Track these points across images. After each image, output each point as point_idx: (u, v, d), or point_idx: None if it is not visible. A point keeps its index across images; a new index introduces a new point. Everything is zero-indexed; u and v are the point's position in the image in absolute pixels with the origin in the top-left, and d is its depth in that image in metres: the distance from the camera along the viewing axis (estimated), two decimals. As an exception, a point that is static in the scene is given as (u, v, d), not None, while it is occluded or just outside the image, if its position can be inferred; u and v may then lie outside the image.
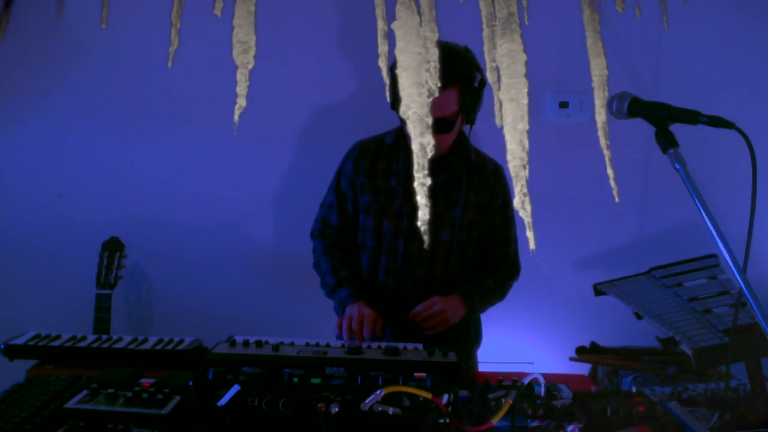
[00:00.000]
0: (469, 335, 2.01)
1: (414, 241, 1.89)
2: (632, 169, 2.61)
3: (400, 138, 1.93)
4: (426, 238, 0.67)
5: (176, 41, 0.90)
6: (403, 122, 1.85)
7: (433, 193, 1.84)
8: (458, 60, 1.79)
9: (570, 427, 1.19)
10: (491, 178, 1.94)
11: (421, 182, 0.64)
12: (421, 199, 0.64)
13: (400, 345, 1.54)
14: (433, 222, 1.82)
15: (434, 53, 0.69)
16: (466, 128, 1.87)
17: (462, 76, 1.77)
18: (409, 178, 1.85)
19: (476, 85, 1.81)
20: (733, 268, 1.06)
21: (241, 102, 0.70)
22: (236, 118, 0.69)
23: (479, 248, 1.98)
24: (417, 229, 1.83)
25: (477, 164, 1.93)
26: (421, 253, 1.90)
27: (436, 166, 1.85)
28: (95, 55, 2.46)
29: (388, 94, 1.80)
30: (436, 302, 1.79)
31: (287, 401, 1.23)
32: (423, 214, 0.65)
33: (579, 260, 2.68)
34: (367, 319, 1.76)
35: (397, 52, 0.67)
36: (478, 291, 1.90)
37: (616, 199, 0.81)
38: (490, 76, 0.75)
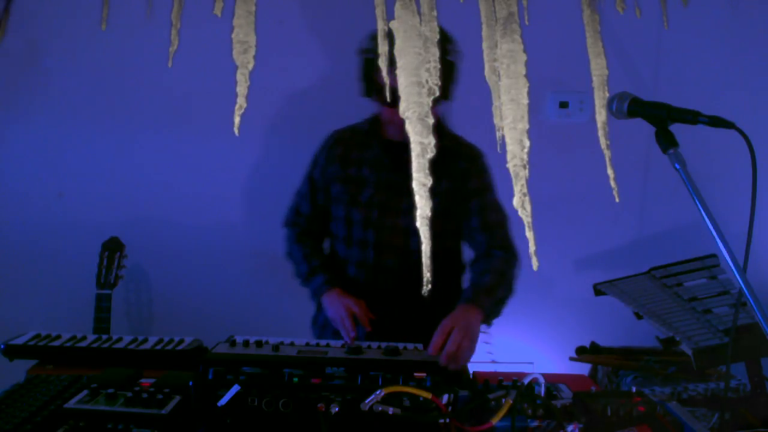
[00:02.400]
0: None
1: (384, 232, 1.84)
2: (632, 169, 2.61)
3: (374, 126, 1.89)
4: (424, 238, 0.67)
5: (176, 41, 0.90)
6: (383, 114, 1.83)
7: (405, 181, 1.81)
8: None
9: (570, 427, 1.19)
10: (465, 163, 1.86)
11: (422, 182, 0.64)
12: (420, 199, 0.64)
13: (400, 345, 1.54)
14: (405, 212, 1.81)
15: (434, 53, 0.69)
16: (440, 109, 1.80)
17: (442, 43, 1.69)
18: (382, 167, 1.85)
19: (449, 58, 1.74)
20: (733, 268, 1.06)
21: (242, 102, 0.70)
22: (237, 118, 0.69)
23: (459, 238, 1.92)
24: (386, 219, 1.84)
25: (450, 148, 1.84)
26: (392, 245, 1.84)
27: (408, 152, 1.80)
28: (95, 55, 2.46)
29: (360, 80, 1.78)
30: (451, 332, 1.55)
31: (287, 401, 1.23)
32: (421, 214, 0.65)
33: (579, 260, 2.68)
34: (357, 316, 1.73)
35: (396, 52, 0.67)
36: (480, 291, 1.75)
37: (617, 199, 0.81)
38: (490, 76, 0.75)
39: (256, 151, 2.57)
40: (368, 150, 1.88)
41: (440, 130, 1.82)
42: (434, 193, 1.77)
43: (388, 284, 1.86)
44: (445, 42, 1.74)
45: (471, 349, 1.58)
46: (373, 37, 1.77)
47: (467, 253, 1.99)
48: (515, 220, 1.97)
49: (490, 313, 1.74)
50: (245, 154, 2.56)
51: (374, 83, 1.77)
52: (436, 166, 1.92)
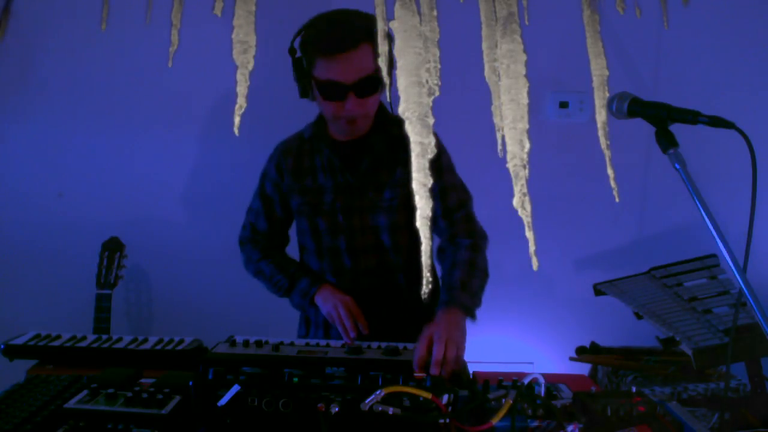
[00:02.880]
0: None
1: (354, 235, 1.78)
2: (632, 169, 2.61)
3: (318, 129, 1.80)
4: (424, 238, 0.67)
5: (176, 41, 0.90)
6: (325, 114, 1.73)
7: (361, 179, 1.76)
8: (361, 17, 1.61)
9: (570, 427, 1.19)
10: None
11: (422, 182, 0.64)
12: (420, 200, 0.64)
13: (400, 345, 1.54)
14: (368, 209, 1.76)
15: (435, 53, 0.69)
16: (383, 98, 1.72)
17: (371, 31, 1.47)
18: (334, 170, 1.78)
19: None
20: (733, 268, 1.06)
21: (242, 102, 0.70)
22: (237, 118, 0.69)
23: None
24: (353, 222, 1.77)
25: (398, 135, 1.71)
26: (365, 246, 1.79)
27: (359, 150, 1.75)
28: (95, 55, 2.46)
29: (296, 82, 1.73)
30: (435, 340, 1.47)
31: (287, 401, 1.23)
32: (422, 214, 0.65)
33: (579, 260, 2.68)
34: (355, 314, 1.69)
35: (396, 52, 0.67)
36: (453, 289, 1.66)
37: (617, 199, 0.81)
38: (490, 76, 0.75)
39: (256, 151, 2.56)
40: (318, 156, 1.80)
41: (384, 118, 1.75)
42: (391, 184, 1.75)
43: (371, 285, 1.81)
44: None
45: (458, 353, 1.50)
46: (305, 31, 1.69)
47: (435, 241, 1.90)
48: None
49: (470, 307, 1.64)
50: (245, 154, 2.56)
51: (309, 81, 1.67)
52: (388, 157, 1.84)
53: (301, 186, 1.81)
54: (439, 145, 1.76)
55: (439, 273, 1.83)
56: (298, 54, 1.68)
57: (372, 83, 1.61)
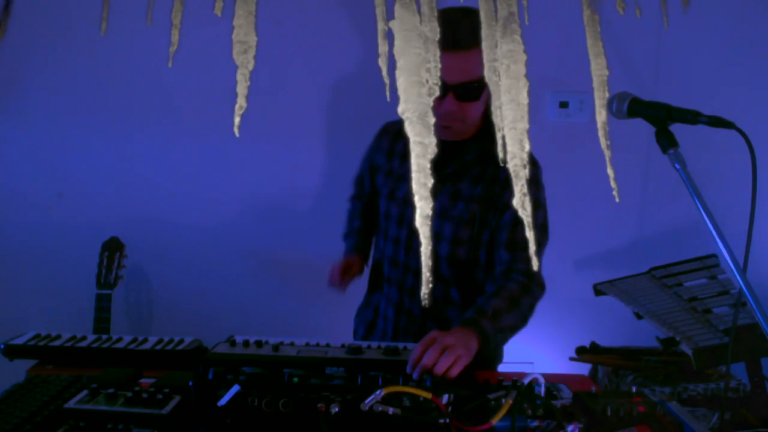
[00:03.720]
0: (491, 355, 1.76)
1: (416, 234, 1.76)
2: (632, 169, 2.61)
3: None
4: (424, 238, 0.67)
5: (176, 41, 0.90)
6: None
7: (441, 182, 1.75)
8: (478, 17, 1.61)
9: (570, 427, 1.19)
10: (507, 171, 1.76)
11: (422, 182, 0.64)
12: (420, 200, 0.64)
13: (400, 345, 1.53)
14: (435, 213, 1.69)
15: (435, 53, 0.69)
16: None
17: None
18: None
19: None
20: (733, 268, 1.06)
21: (242, 103, 0.69)
22: (237, 119, 0.69)
23: (481, 248, 1.72)
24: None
25: (497, 157, 1.67)
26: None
27: (450, 152, 1.72)
28: (95, 54, 2.47)
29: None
30: (434, 345, 1.37)
31: (287, 401, 1.23)
32: (421, 213, 0.64)
33: (579, 260, 2.68)
34: (345, 269, 1.88)
35: (396, 52, 0.67)
36: (482, 313, 1.52)
37: (617, 200, 0.81)
38: (490, 76, 0.75)
39: (257, 152, 2.57)
40: (407, 147, 1.82)
41: (487, 133, 1.69)
42: (468, 198, 1.74)
43: (415, 286, 1.79)
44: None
45: (452, 367, 1.35)
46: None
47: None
48: (537, 224, 1.70)
49: (489, 337, 1.49)
50: (245, 155, 2.56)
51: None
52: (475, 170, 1.82)
53: (388, 167, 1.85)
54: (535, 178, 1.70)
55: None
56: None
57: (475, 90, 1.57)
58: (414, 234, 1.75)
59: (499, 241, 1.69)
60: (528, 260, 1.62)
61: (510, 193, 1.62)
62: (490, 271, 1.73)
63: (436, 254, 1.76)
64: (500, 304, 1.56)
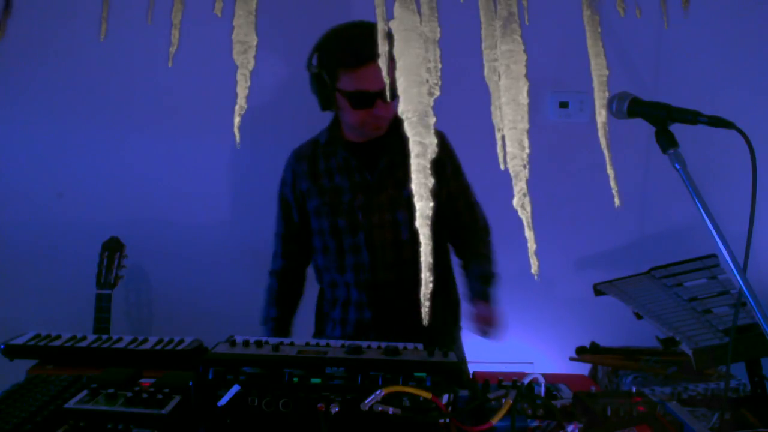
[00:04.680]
0: (448, 321, 2.03)
1: (373, 231, 1.86)
2: (632, 169, 2.61)
3: (333, 134, 1.91)
4: (423, 237, 0.67)
5: (176, 41, 0.90)
6: (343, 117, 1.85)
7: (379, 177, 1.85)
8: (372, 28, 1.75)
9: (570, 427, 1.19)
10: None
11: (422, 182, 0.64)
12: (420, 199, 0.64)
13: (400, 345, 1.53)
14: (387, 206, 1.85)
15: (435, 53, 0.69)
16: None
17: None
18: (351, 170, 1.87)
19: None
20: (733, 268, 1.06)
21: (242, 103, 0.69)
22: (237, 119, 0.69)
23: (441, 220, 1.94)
24: (372, 218, 1.86)
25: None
26: (384, 241, 1.87)
27: (376, 150, 1.87)
28: (95, 54, 2.47)
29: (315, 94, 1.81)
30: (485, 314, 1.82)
31: (287, 401, 1.23)
32: (421, 214, 0.64)
33: (579, 260, 2.68)
34: None
35: (396, 52, 0.67)
36: (485, 283, 1.90)
37: (617, 200, 0.81)
38: (490, 76, 0.75)
39: (257, 152, 2.57)
40: (333, 158, 1.90)
41: (397, 119, 1.82)
42: (410, 181, 1.81)
43: (387, 279, 1.89)
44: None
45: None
46: (315, 49, 1.79)
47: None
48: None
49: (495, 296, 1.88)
50: (245, 155, 2.56)
51: (332, 94, 1.77)
52: (404, 155, 1.90)
53: (318, 188, 1.90)
54: (451, 146, 1.95)
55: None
56: (315, 70, 1.78)
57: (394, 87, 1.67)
58: (372, 233, 1.87)
59: (455, 207, 1.96)
60: (482, 216, 2.02)
61: (448, 167, 1.91)
62: (452, 231, 2.00)
63: (399, 241, 1.89)
64: (488, 266, 1.95)
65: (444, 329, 2.00)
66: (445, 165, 1.91)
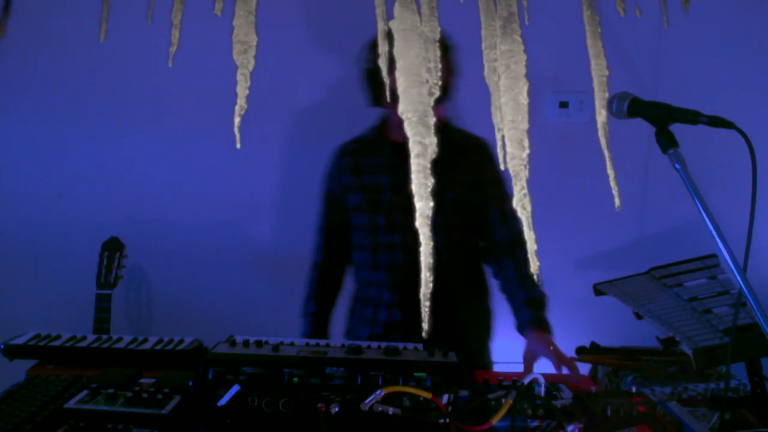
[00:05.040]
0: (480, 330, 2.00)
1: (409, 234, 1.84)
2: (632, 169, 2.61)
3: (380, 131, 1.91)
4: (424, 237, 0.67)
5: (176, 41, 0.90)
6: (392, 117, 1.85)
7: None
8: None
9: (570, 427, 1.19)
10: (474, 155, 1.90)
11: (422, 182, 0.64)
12: (419, 200, 0.64)
13: (400, 345, 1.53)
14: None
15: (435, 53, 0.69)
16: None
17: (443, 43, 1.70)
18: (395, 170, 1.86)
19: (450, 56, 1.80)
20: (733, 268, 1.06)
21: (242, 103, 0.69)
22: (237, 119, 0.69)
23: (475, 230, 1.93)
24: (410, 219, 1.86)
25: (458, 142, 1.89)
26: (418, 244, 1.86)
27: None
28: (95, 54, 2.47)
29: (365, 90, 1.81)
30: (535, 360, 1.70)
31: (287, 401, 1.23)
32: (421, 213, 0.65)
33: (579, 260, 2.68)
34: None
35: (396, 52, 0.67)
36: (537, 306, 1.81)
37: (617, 200, 0.81)
38: (490, 76, 0.75)
39: (256, 152, 2.57)
40: (379, 156, 1.90)
41: (446, 127, 1.87)
42: (452, 186, 1.83)
43: (416, 283, 1.87)
44: (444, 40, 1.76)
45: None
46: (371, 46, 1.79)
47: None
48: (510, 196, 1.96)
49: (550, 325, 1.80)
50: (245, 155, 2.56)
51: (379, 90, 1.79)
52: (448, 161, 1.94)
53: (361, 183, 1.90)
54: (495, 156, 1.85)
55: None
56: (370, 65, 1.80)
57: (446, 91, 1.76)
58: (409, 234, 1.83)
59: (490, 217, 1.91)
60: (520, 231, 1.80)
61: (487, 174, 1.88)
62: (487, 247, 1.95)
63: (435, 248, 1.83)
64: (536, 290, 1.83)
65: (476, 338, 1.99)
66: (484, 172, 1.89)
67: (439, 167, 2.04)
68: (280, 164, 2.60)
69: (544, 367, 1.69)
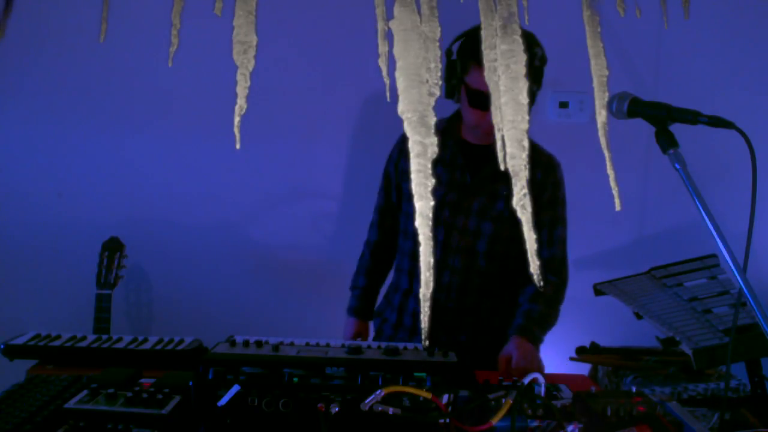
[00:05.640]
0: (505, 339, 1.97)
1: (453, 231, 1.87)
2: (632, 170, 2.61)
3: (452, 125, 1.91)
4: (423, 236, 0.67)
5: (176, 41, 0.90)
6: (457, 113, 1.87)
7: (478, 182, 1.85)
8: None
9: (570, 427, 1.19)
10: (541, 172, 1.89)
11: (422, 182, 0.64)
12: (419, 200, 0.64)
13: (400, 345, 1.53)
14: (476, 212, 1.85)
15: (435, 53, 0.69)
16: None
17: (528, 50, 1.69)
18: (455, 166, 1.87)
19: (536, 62, 1.75)
20: (733, 268, 1.06)
21: (242, 103, 0.69)
22: (237, 119, 0.69)
23: (519, 246, 1.91)
24: (457, 220, 1.85)
25: (531, 158, 1.87)
26: (460, 245, 1.87)
27: (485, 155, 1.87)
28: (95, 54, 2.46)
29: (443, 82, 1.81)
30: (512, 358, 1.68)
31: (287, 401, 1.23)
32: (421, 213, 0.64)
33: (579, 260, 2.68)
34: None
35: (396, 52, 0.67)
36: (532, 322, 1.80)
37: (617, 200, 0.81)
38: (490, 76, 0.75)
39: (257, 152, 2.57)
40: (443, 149, 1.89)
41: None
42: (507, 197, 1.83)
43: (453, 282, 1.88)
44: (536, 44, 1.75)
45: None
46: (459, 38, 1.79)
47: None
48: (566, 223, 1.97)
49: (539, 342, 1.79)
50: (245, 154, 2.56)
51: (458, 85, 1.78)
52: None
53: None
54: (561, 178, 1.94)
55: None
56: (454, 57, 1.78)
57: (486, 100, 1.72)
58: (451, 234, 1.86)
59: (540, 239, 1.89)
60: (562, 259, 1.90)
61: (546, 194, 1.88)
62: (523, 265, 1.86)
63: (474, 250, 1.87)
64: (544, 309, 1.82)
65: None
66: (545, 192, 1.89)
67: (498, 175, 2.01)
68: (280, 164, 2.60)
69: (549, 367, 1.69)
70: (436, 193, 1.83)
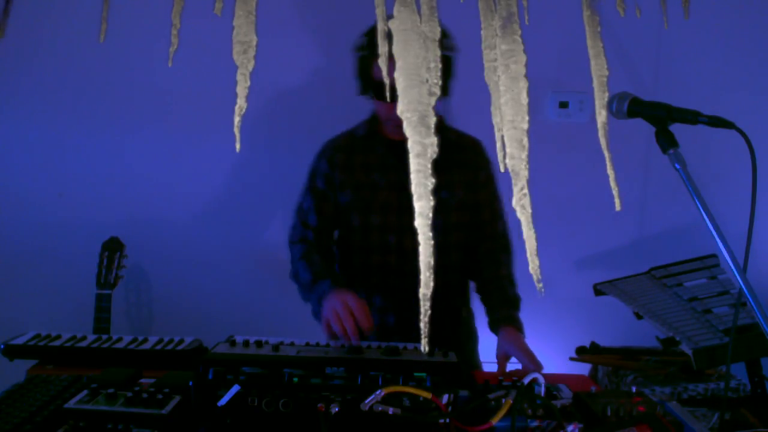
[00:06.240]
0: (466, 336, 1.99)
1: (405, 235, 1.82)
2: (632, 169, 2.61)
3: (372, 128, 1.86)
4: (423, 236, 0.67)
5: (176, 41, 0.90)
6: (382, 113, 1.81)
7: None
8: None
9: (570, 427, 1.19)
10: (471, 154, 1.88)
11: (422, 182, 0.64)
12: (419, 200, 0.64)
13: (400, 345, 1.53)
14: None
15: (435, 52, 0.69)
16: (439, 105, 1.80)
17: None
18: (388, 168, 1.83)
19: (446, 53, 1.71)
20: (733, 268, 1.06)
21: (242, 103, 0.69)
22: (237, 119, 0.69)
23: (468, 230, 1.90)
24: (404, 220, 1.82)
25: (455, 141, 1.87)
26: (415, 246, 1.83)
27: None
28: (95, 54, 2.46)
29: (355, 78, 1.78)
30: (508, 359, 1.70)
31: (287, 401, 1.23)
32: (421, 213, 0.64)
33: (579, 260, 2.68)
34: (356, 310, 1.55)
35: (396, 52, 0.67)
36: (512, 308, 1.82)
37: (617, 200, 0.81)
38: (490, 76, 0.75)
39: (257, 151, 2.57)
40: (371, 153, 1.85)
41: (441, 125, 1.84)
42: (448, 186, 1.81)
43: (416, 285, 1.84)
44: (442, 37, 1.73)
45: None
46: (366, 34, 1.77)
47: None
48: (515, 220, 1.97)
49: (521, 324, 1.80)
50: (245, 155, 2.56)
51: (369, 80, 1.74)
52: (444, 159, 1.92)
53: (354, 181, 1.84)
54: (488, 156, 1.91)
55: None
56: (359, 53, 1.77)
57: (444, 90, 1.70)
58: (404, 235, 1.82)
59: (481, 217, 1.90)
60: (505, 230, 1.93)
61: (481, 174, 1.88)
62: (465, 253, 1.92)
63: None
64: (513, 291, 1.85)
65: (468, 340, 2.00)
66: (479, 172, 1.88)
67: (435, 166, 2.02)
68: (280, 164, 2.60)
69: (544, 367, 1.69)
70: (379, 198, 1.81)
